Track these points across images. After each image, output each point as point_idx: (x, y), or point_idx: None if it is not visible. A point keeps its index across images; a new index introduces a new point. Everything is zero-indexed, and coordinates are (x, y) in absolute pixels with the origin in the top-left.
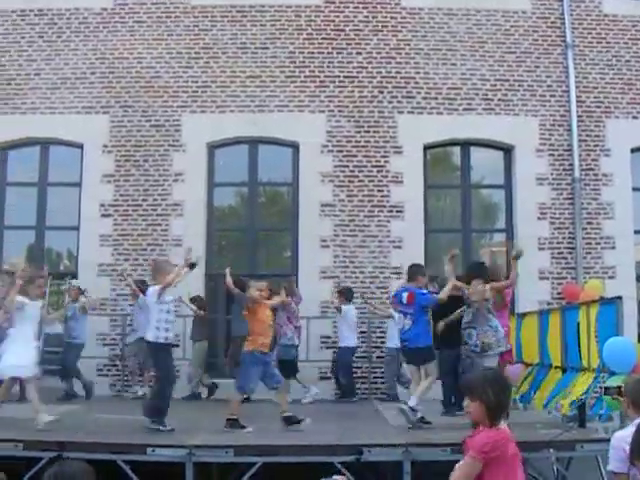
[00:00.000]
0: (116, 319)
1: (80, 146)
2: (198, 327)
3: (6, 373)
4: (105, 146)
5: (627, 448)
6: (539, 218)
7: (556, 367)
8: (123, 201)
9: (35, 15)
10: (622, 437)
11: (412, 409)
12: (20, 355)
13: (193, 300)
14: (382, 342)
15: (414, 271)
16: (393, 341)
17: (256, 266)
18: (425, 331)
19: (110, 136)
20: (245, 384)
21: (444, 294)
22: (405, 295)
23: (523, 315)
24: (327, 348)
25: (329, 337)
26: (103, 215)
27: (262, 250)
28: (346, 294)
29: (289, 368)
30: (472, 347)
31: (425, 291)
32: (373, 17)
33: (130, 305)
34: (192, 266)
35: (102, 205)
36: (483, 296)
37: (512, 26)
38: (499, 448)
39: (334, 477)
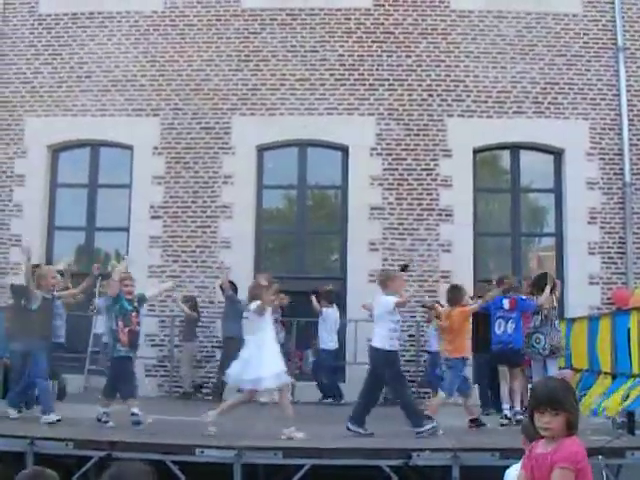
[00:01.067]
0: (164, 320)
1: (130, 148)
2: (189, 327)
3: (255, 385)
4: (155, 148)
5: None
6: (589, 222)
7: (605, 373)
8: (173, 203)
9: (86, 18)
10: None
11: (516, 413)
12: (263, 365)
13: (186, 300)
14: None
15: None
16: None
17: (304, 269)
18: (522, 335)
19: (160, 138)
20: (452, 388)
21: (543, 300)
22: (507, 302)
23: (573, 320)
24: None
25: None
26: (153, 217)
27: (310, 253)
28: (327, 297)
29: None
30: (540, 350)
31: (525, 297)
32: (422, 20)
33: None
34: (404, 268)
35: (152, 207)
36: (552, 304)
37: (562, 29)
38: (585, 458)
39: None
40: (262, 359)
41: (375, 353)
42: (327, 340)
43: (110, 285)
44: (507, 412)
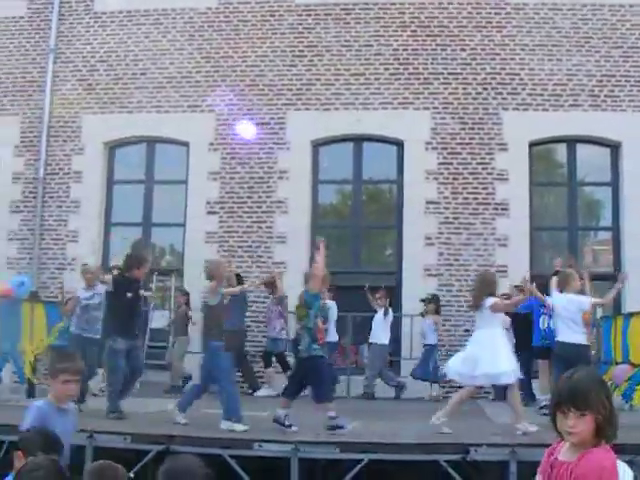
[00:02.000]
0: None
1: (186, 144)
2: (181, 322)
3: (483, 382)
4: (211, 144)
5: None
6: None
7: None
8: (229, 198)
9: (141, 15)
10: None
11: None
12: (500, 361)
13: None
14: None
15: None
16: (378, 337)
17: (359, 264)
18: None
19: (216, 134)
20: None
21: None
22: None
23: (631, 315)
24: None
25: None
26: (209, 212)
27: (365, 247)
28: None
29: (271, 360)
30: None
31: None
32: (477, 13)
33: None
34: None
35: (208, 202)
36: None
37: (619, 20)
38: (616, 476)
39: None
40: (498, 355)
41: (574, 349)
42: (330, 333)
43: (314, 280)
44: (546, 402)
